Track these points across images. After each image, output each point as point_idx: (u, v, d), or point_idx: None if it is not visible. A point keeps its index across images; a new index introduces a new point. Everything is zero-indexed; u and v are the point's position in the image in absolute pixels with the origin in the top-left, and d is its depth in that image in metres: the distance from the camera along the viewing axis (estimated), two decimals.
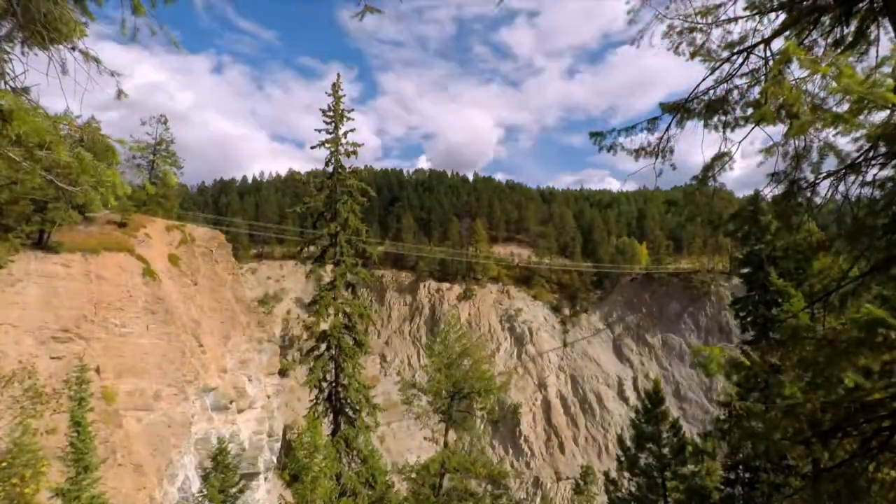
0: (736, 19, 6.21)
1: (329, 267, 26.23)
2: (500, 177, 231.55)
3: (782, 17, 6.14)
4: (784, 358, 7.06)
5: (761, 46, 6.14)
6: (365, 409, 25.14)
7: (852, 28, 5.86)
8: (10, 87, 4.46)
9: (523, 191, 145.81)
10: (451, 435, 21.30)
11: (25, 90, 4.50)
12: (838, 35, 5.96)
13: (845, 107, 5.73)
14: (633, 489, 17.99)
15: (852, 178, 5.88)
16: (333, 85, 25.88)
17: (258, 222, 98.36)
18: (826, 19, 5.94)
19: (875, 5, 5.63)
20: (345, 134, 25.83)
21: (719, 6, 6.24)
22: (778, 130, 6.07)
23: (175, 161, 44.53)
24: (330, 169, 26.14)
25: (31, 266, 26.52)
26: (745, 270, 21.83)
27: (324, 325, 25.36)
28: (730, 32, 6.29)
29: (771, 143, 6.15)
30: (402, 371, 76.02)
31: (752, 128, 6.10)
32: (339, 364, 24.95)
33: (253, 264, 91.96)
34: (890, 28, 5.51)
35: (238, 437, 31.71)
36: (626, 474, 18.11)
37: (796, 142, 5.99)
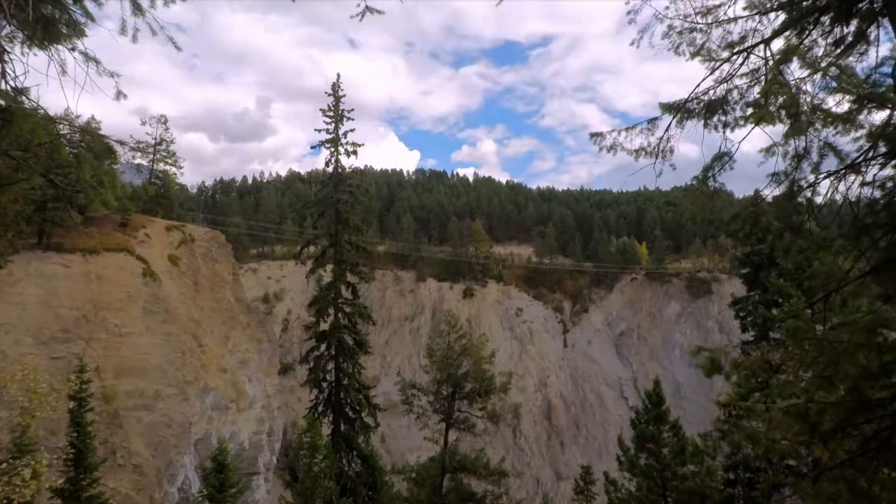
0: (736, 19, 6.21)
1: (329, 267, 26.20)
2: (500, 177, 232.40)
3: (782, 17, 6.14)
4: (784, 358, 7.06)
5: (761, 46, 6.14)
6: (365, 409, 25.12)
7: (852, 28, 5.86)
8: (10, 87, 4.46)
9: (523, 191, 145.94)
10: (451, 435, 21.27)
11: (25, 90, 4.50)
12: (838, 35, 5.96)
13: (845, 107, 5.74)
14: (633, 489, 17.97)
15: (852, 178, 5.89)
16: (333, 85, 25.86)
17: (258, 222, 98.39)
18: (826, 19, 5.94)
19: (875, 5, 5.63)
20: (345, 134, 25.81)
21: (719, 6, 6.24)
22: (778, 130, 6.07)
23: (175, 161, 44.60)
24: (330, 169, 26.12)
25: (31, 266, 26.54)
26: (745, 270, 21.84)
27: (324, 325, 25.33)
28: (730, 32, 6.28)
29: (771, 143, 6.15)
30: (402, 371, 75.88)
31: (752, 128, 6.10)
32: (339, 364, 24.92)
33: (253, 264, 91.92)
34: (890, 28, 5.51)
35: (238, 437, 31.72)
36: (626, 474, 18.07)
37: (796, 142, 5.99)
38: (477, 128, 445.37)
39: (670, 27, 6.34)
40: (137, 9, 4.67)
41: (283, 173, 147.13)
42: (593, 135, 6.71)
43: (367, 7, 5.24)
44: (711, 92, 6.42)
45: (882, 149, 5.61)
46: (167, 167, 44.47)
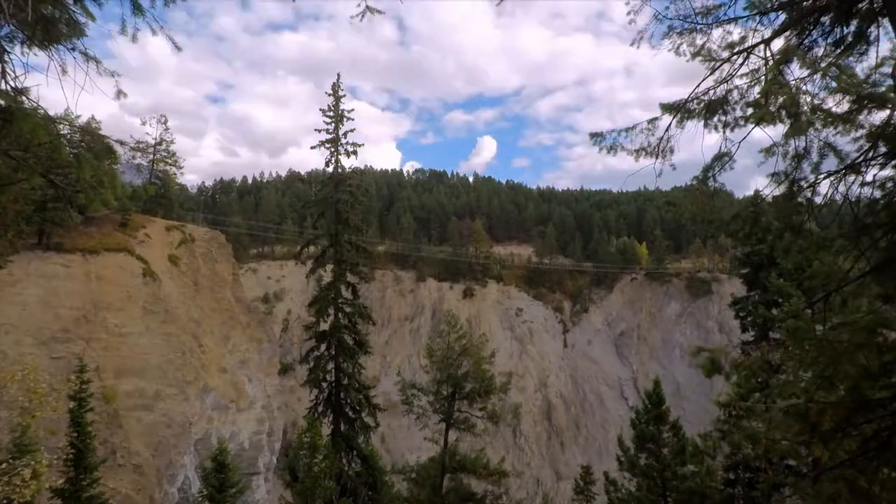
0: (736, 19, 6.22)
1: (329, 267, 26.18)
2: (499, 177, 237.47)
3: (782, 17, 6.14)
4: (784, 358, 7.06)
5: (761, 46, 6.14)
6: (365, 409, 25.11)
7: (852, 28, 5.87)
8: (10, 87, 4.46)
9: (523, 191, 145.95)
10: (451, 435, 21.28)
11: (25, 90, 4.50)
12: (838, 35, 5.96)
13: (845, 107, 5.74)
14: (633, 489, 17.96)
15: (852, 178, 5.89)
16: (333, 85, 25.85)
17: (258, 222, 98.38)
18: (826, 19, 5.94)
19: (875, 5, 5.63)
20: (345, 134, 25.80)
21: (719, 6, 6.24)
22: (778, 130, 6.08)
23: (175, 161, 44.61)
24: (330, 169, 26.11)
25: (31, 266, 26.54)
26: (745, 270, 21.83)
27: (324, 325, 25.32)
28: (730, 33, 6.29)
29: (771, 143, 6.15)
30: (402, 371, 75.74)
31: (752, 128, 6.10)
32: (339, 364, 24.92)
33: (253, 264, 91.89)
34: (890, 28, 5.51)
35: (238, 437, 31.72)
36: (626, 474, 18.06)
37: (796, 142, 5.99)
38: (466, 153, 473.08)
39: (670, 28, 6.34)
40: (137, 9, 4.68)
41: (283, 173, 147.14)
42: (593, 135, 6.71)
43: (367, 7, 5.24)
44: (711, 92, 6.42)
45: (882, 149, 5.61)
46: (167, 167, 44.48)
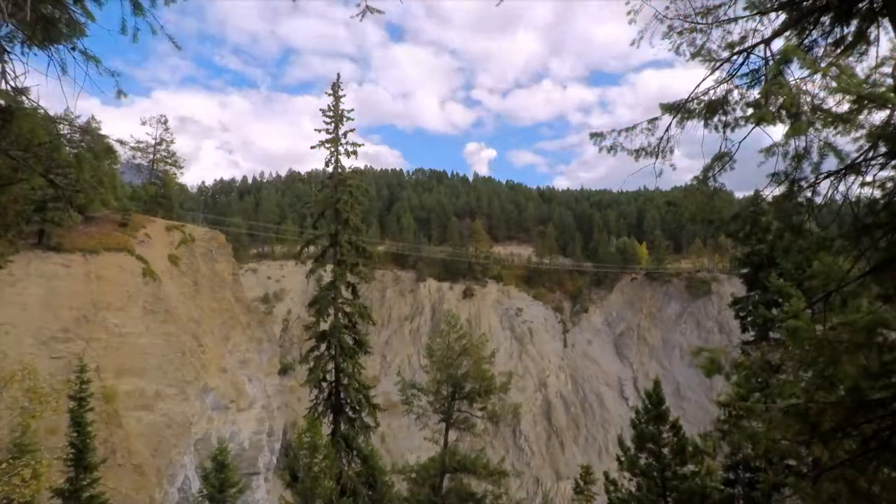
0: (736, 19, 6.22)
1: (329, 267, 26.16)
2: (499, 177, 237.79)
3: (782, 17, 6.14)
4: (784, 358, 7.07)
5: (761, 46, 6.14)
6: (365, 409, 25.09)
7: (852, 28, 5.87)
8: (10, 87, 4.46)
9: (523, 191, 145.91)
10: (451, 435, 21.29)
11: (25, 90, 4.50)
12: (838, 35, 5.97)
13: (845, 107, 5.74)
14: (633, 489, 17.94)
15: (852, 178, 5.89)
16: (333, 85, 25.82)
17: (258, 222, 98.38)
18: (826, 19, 5.95)
19: (875, 5, 5.64)
20: (345, 134, 25.77)
21: (719, 6, 6.24)
22: (778, 130, 6.07)
23: (175, 161, 44.62)
24: (330, 169, 26.08)
25: (31, 266, 26.55)
26: (745, 270, 21.81)
27: (324, 325, 25.30)
28: (730, 32, 6.29)
29: (771, 143, 6.15)
30: (402, 371, 75.60)
31: (753, 128, 6.09)
32: (339, 364, 24.90)
33: (253, 264, 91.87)
34: (890, 28, 5.51)
35: (238, 437, 31.73)
36: (626, 474, 18.04)
37: (796, 142, 5.99)
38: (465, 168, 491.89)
39: (670, 27, 6.34)
40: (137, 8, 4.68)
41: (283, 173, 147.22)
42: (593, 135, 6.71)
43: (367, 7, 5.24)
44: (711, 92, 6.42)
45: (882, 149, 5.61)
46: (167, 167, 44.50)
